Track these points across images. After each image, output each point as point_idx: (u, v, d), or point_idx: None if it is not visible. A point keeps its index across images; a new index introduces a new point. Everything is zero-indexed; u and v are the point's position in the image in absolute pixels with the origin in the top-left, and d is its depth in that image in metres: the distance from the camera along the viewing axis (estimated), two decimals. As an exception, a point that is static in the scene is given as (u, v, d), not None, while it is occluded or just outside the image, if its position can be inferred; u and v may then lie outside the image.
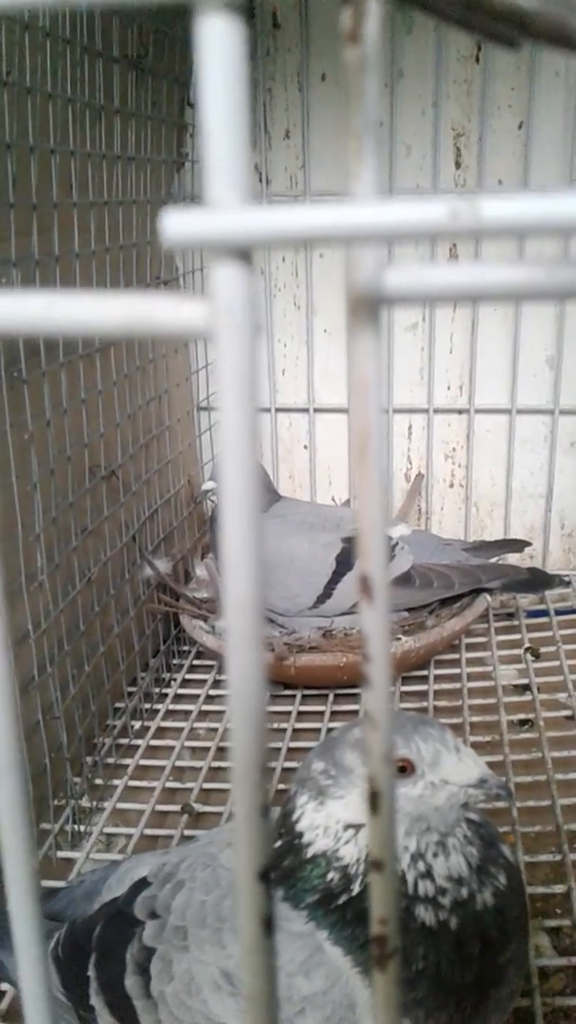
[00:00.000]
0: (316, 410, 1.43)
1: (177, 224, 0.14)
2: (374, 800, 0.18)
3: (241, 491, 0.14)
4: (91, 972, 0.60)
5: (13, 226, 0.84)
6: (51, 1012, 0.21)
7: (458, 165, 1.31)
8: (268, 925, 0.17)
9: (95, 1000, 0.59)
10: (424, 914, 0.50)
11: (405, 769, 0.52)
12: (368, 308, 0.15)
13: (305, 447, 1.46)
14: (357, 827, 0.52)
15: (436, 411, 1.39)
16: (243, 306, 0.14)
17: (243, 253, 0.14)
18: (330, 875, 0.52)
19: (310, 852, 0.53)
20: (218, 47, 0.13)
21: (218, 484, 0.15)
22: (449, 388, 1.40)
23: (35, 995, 0.20)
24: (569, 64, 1.22)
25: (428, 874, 0.51)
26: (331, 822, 0.53)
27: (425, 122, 1.29)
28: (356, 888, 0.51)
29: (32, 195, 0.86)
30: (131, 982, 0.57)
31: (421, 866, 0.51)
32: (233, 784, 0.17)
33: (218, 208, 0.14)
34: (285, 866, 0.53)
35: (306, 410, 1.44)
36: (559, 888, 0.80)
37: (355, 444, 0.16)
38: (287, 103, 1.34)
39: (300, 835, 0.53)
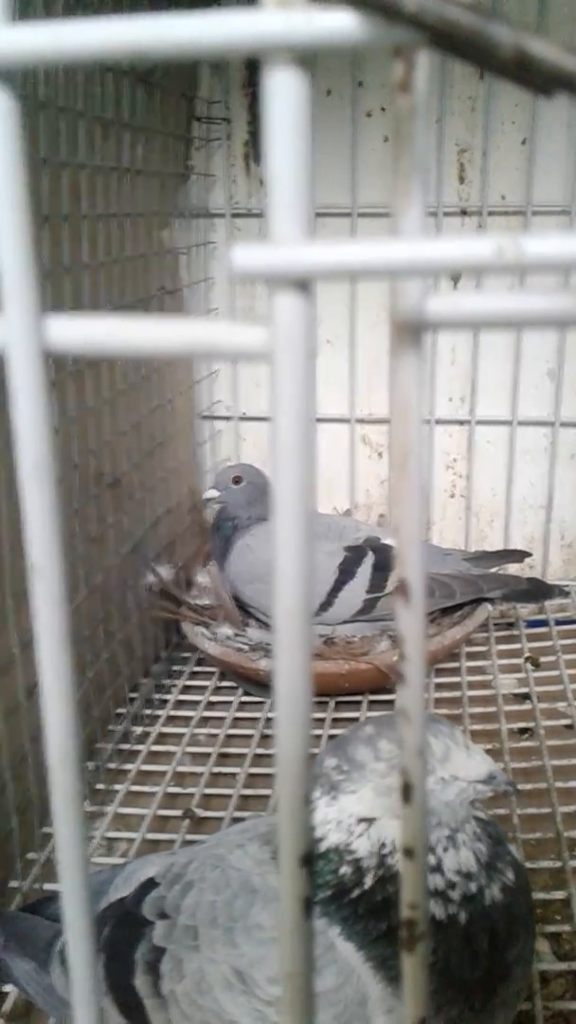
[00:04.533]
0: (319, 420, 1.44)
1: (245, 257, 0.15)
2: (407, 791, 0.19)
3: (295, 509, 0.16)
4: (100, 972, 0.61)
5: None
6: (96, 1005, 0.22)
7: (462, 180, 1.33)
8: (308, 907, 0.18)
9: (104, 1000, 0.60)
10: (434, 907, 0.51)
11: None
12: (411, 333, 0.16)
13: (307, 456, 1.47)
14: (370, 821, 0.53)
15: (438, 422, 1.41)
16: (302, 333, 0.15)
17: (303, 284, 0.15)
18: (343, 869, 0.53)
19: (323, 847, 0.54)
20: (285, 97, 0.15)
21: (273, 501, 0.16)
22: (451, 399, 1.41)
23: (83, 985, 0.22)
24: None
25: (438, 868, 0.52)
26: (344, 816, 0.54)
27: (429, 138, 1.31)
28: (368, 882, 0.52)
29: (43, 207, 0.88)
30: (141, 982, 0.58)
31: (431, 860, 0.52)
32: (277, 776, 0.18)
33: (281, 243, 0.15)
34: None
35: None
36: (559, 894, 0.81)
37: (396, 459, 0.17)
38: (292, 117, 1.35)
39: (312, 830, 0.55)
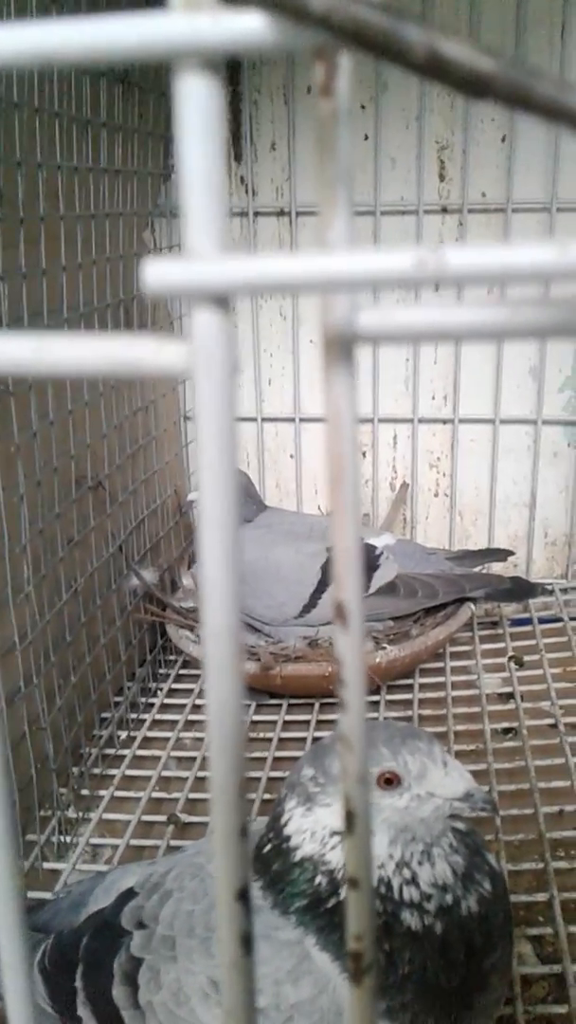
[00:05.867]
0: (302, 420, 1.44)
1: (157, 273, 0.14)
2: (350, 819, 0.18)
3: (220, 530, 0.15)
4: (78, 983, 0.61)
5: (0, 239, 0.85)
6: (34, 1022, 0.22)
7: (442, 178, 1.33)
8: (247, 943, 0.18)
9: (82, 1011, 0.60)
10: (410, 919, 0.51)
11: (392, 781, 0.53)
12: (342, 347, 0.16)
13: (291, 456, 1.47)
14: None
15: (421, 421, 1.40)
16: (221, 350, 0.15)
17: (220, 300, 0.15)
18: (317, 879, 0.53)
19: (298, 856, 0.53)
20: (196, 104, 0.14)
21: (198, 522, 0.16)
22: (434, 398, 1.41)
23: (19, 1010, 0.21)
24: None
25: (413, 881, 0.52)
26: (318, 828, 0.54)
27: (409, 135, 1.30)
28: (343, 893, 0.52)
29: (19, 208, 0.87)
30: (119, 992, 0.58)
31: (407, 873, 0.52)
32: (212, 807, 0.18)
33: (196, 257, 0.14)
34: (274, 870, 0.54)
35: (292, 419, 1.44)
36: (541, 896, 0.81)
37: (330, 475, 0.16)
38: (273, 115, 1.35)
39: (288, 839, 0.54)
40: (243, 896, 0.17)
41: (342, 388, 0.16)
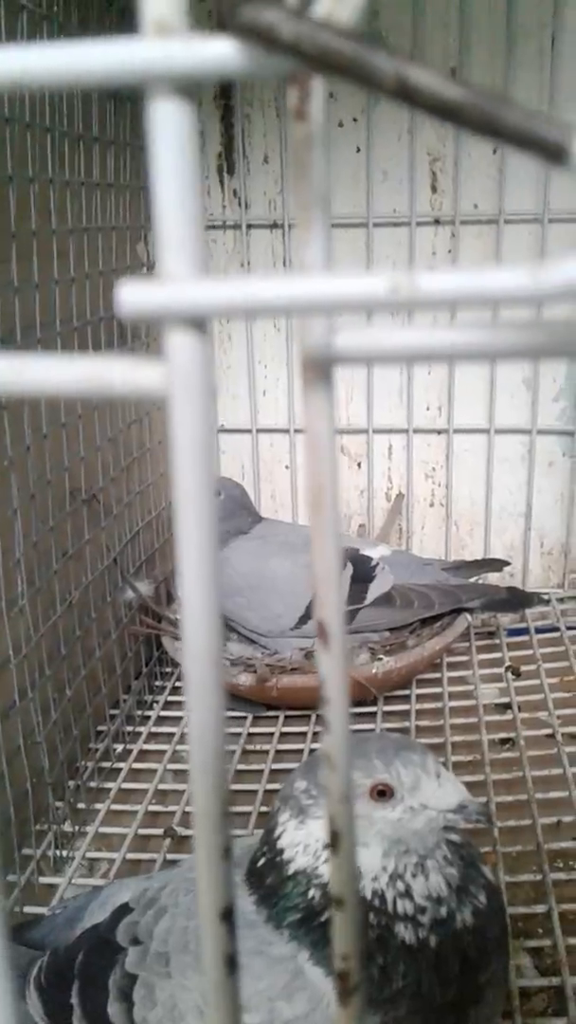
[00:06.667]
0: (297, 431, 1.44)
1: (132, 296, 0.14)
2: (334, 839, 0.18)
3: (199, 550, 0.15)
4: (74, 999, 0.60)
5: (-8, 254, 0.85)
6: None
7: (434, 190, 1.33)
8: (231, 963, 0.18)
9: (77, 1028, 0.59)
10: (404, 932, 0.51)
11: (385, 793, 0.53)
12: (320, 368, 0.16)
13: (286, 467, 1.47)
14: None
15: (416, 431, 1.41)
16: (198, 372, 0.15)
17: (196, 322, 0.15)
18: (311, 893, 0.52)
19: (291, 869, 0.53)
20: (169, 128, 0.14)
21: (176, 544, 0.16)
22: (428, 408, 1.41)
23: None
24: (541, 91, 1.24)
25: (407, 894, 0.52)
26: (311, 840, 0.53)
27: (401, 147, 1.31)
28: None
29: (11, 223, 0.87)
30: (114, 1009, 0.57)
31: (400, 886, 0.52)
32: (195, 828, 0.17)
33: (171, 281, 0.14)
34: (268, 884, 0.54)
35: (287, 431, 1.44)
36: (540, 908, 0.80)
37: (310, 497, 0.17)
38: (265, 129, 1.35)
39: (281, 852, 0.54)
40: (227, 916, 0.17)
41: (320, 409, 0.16)
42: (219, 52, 0.14)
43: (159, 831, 0.96)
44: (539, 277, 0.13)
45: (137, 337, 1.23)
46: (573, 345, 0.15)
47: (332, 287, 0.14)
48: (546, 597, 1.33)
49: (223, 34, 0.13)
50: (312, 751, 1.07)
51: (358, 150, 1.31)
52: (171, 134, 0.14)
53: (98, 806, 1.00)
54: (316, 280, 0.14)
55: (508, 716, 1.11)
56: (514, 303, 0.14)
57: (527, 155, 0.13)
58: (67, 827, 0.97)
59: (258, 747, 1.10)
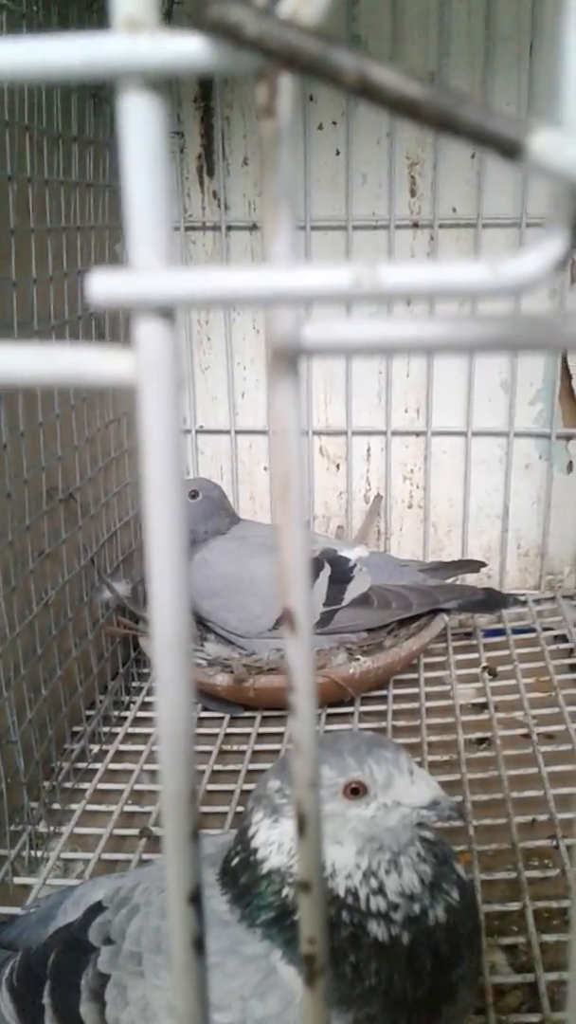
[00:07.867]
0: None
1: (103, 285, 0.15)
2: (301, 824, 0.19)
3: (168, 542, 0.15)
4: (46, 999, 0.60)
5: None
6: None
7: (413, 193, 1.34)
8: (199, 946, 0.18)
9: (50, 1028, 0.59)
10: (376, 929, 0.51)
11: (358, 791, 0.53)
12: (287, 360, 0.16)
13: (265, 469, 1.47)
14: None
15: (394, 433, 1.41)
16: (166, 361, 0.15)
17: (165, 312, 0.15)
18: (284, 891, 0.53)
19: (265, 868, 0.53)
20: (139, 121, 0.14)
21: (145, 536, 0.16)
22: (406, 411, 1.42)
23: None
24: (520, 94, 1.26)
25: (380, 891, 0.52)
26: (285, 839, 0.54)
27: (380, 151, 1.32)
28: None
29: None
30: (86, 1009, 0.57)
31: (373, 883, 0.52)
32: (163, 812, 0.18)
33: (141, 271, 0.15)
34: (242, 883, 0.54)
35: (266, 432, 1.45)
36: (515, 906, 0.81)
37: (276, 486, 0.17)
38: (245, 130, 1.36)
39: (255, 851, 0.54)
40: (195, 899, 0.17)
41: (287, 400, 0.16)
42: (187, 48, 0.14)
43: (135, 831, 0.96)
44: (498, 270, 0.13)
45: (116, 336, 1.23)
46: (538, 339, 0.16)
47: (297, 279, 0.14)
48: (523, 598, 1.34)
49: (191, 30, 0.14)
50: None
51: (337, 153, 1.32)
52: (141, 128, 0.14)
53: (74, 806, 1.00)
54: (282, 272, 0.14)
55: (484, 716, 1.12)
56: (474, 296, 0.14)
57: (484, 151, 0.13)
58: (42, 827, 0.97)
59: (235, 747, 1.10)
